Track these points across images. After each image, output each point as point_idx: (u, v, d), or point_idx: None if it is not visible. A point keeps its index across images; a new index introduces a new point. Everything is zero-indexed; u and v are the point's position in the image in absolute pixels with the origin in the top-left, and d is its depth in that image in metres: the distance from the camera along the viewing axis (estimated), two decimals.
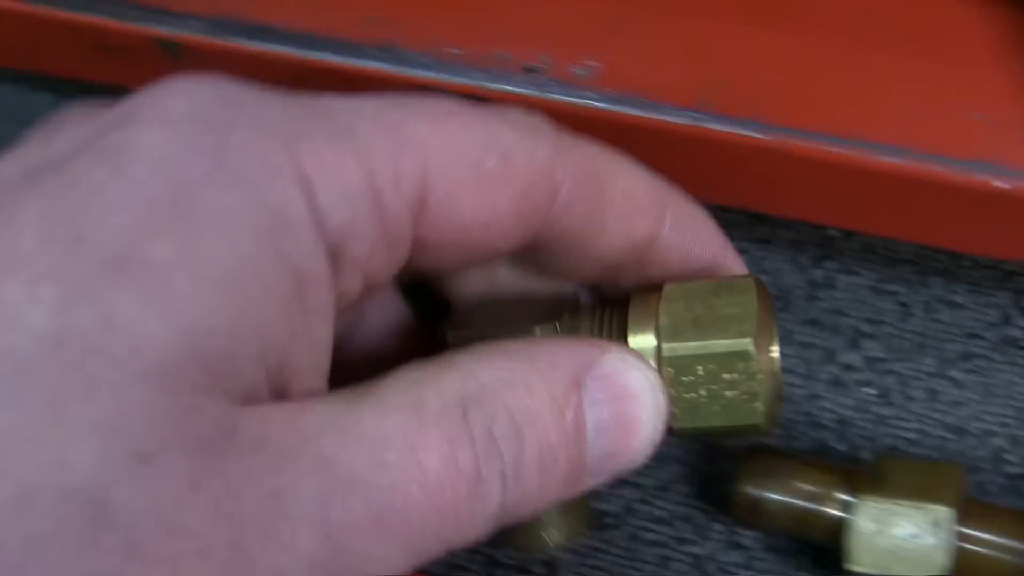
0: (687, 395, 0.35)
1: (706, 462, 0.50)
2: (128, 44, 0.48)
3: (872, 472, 0.44)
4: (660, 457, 0.48)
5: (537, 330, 0.36)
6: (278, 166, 0.28)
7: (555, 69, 0.46)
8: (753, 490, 0.45)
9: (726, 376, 0.35)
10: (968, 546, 0.43)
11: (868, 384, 0.51)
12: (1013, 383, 0.50)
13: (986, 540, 0.43)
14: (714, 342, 0.35)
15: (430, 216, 0.31)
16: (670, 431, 0.35)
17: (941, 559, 0.42)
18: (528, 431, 0.30)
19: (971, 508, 0.44)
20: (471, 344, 0.33)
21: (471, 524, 0.29)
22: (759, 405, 0.35)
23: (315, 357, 0.30)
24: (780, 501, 0.45)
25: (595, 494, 0.49)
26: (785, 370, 0.51)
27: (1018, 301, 0.51)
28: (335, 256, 0.29)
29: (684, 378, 0.35)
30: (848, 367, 0.51)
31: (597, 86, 0.45)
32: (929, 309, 0.52)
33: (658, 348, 0.35)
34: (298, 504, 0.26)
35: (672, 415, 0.35)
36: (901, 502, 0.43)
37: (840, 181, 0.44)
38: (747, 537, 0.49)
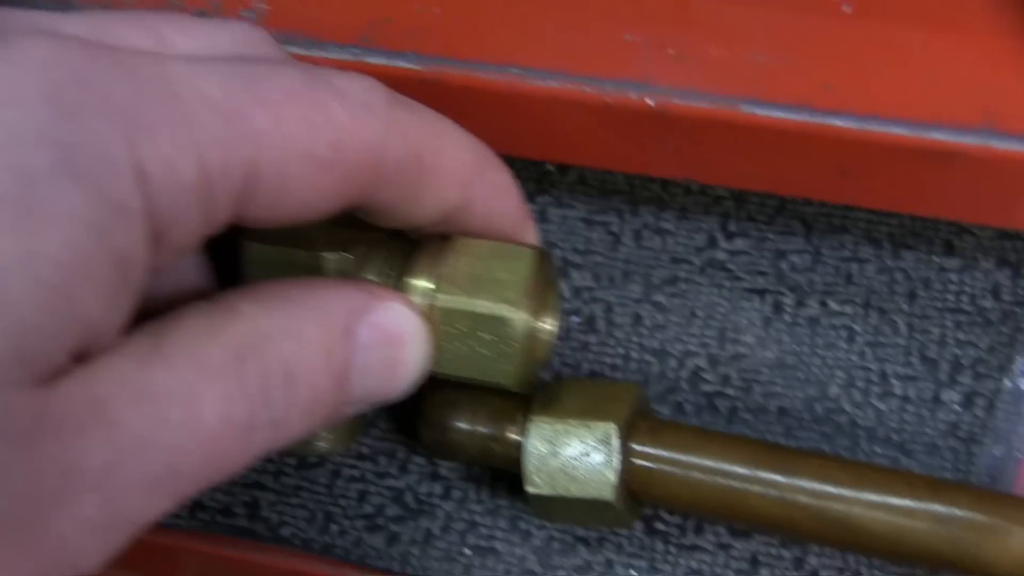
0: (449, 344, 0.39)
1: (409, 397, 0.50)
2: None
3: (547, 394, 0.45)
4: None
5: (329, 258, 0.39)
6: (119, 160, 0.29)
7: (224, 12, 0.46)
8: (438, 422, 0.45)
9: (485, 336, 0.39)
10: (639, 462, 0.43)
11: (575, 313, 0.51)
12: (715, 304, 0.51)
13: (655, 455, 0.43)
14: (481, 303, 0.39)
15: (257, 199, 0.32)
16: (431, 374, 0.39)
17: (610, 476, 0.43)
18: (299, 380, 0.33)
19: (643, 424, 0.44)
20: (265, 261, 0.38)
21: (237, 466, 0.32)
22: (509, 368, 0.39)
23: (119, 320, 0.31)
24: (464, 431, 0.45)
25: None
26: None
27: (724, 224, 0.52)
28: (157, 240, 0.30)
29: (449, 328, 0.39)
30: None
31: (265, 27, 0.45)
32: (638, 237, 0.52)
33: (433, 294, 0.39)
34: (84, 474, 0.29)
35: (434, 359, 0.38)
36: (570, 421, 0.44)
37: (494, 107, 0.44)
38: (445, 468, 0.49)
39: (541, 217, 0.53)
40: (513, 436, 0.45)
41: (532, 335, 0.40)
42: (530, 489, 0.44)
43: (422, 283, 0.39)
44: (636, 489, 0.44)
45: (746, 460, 0.42)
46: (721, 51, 0.43)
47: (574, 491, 0.43)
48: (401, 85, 0.44)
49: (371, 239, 0.40)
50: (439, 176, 0.37)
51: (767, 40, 0.43)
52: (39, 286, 0.27)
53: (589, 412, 0.44)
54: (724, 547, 0.47)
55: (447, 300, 0.39)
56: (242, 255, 0.39)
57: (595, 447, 0.43)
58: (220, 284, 0.40)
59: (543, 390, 0.45)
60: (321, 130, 0.33)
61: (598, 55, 0.43)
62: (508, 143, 0.47)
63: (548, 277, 0.41)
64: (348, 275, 0.39)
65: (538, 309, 0.41)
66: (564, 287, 0.52)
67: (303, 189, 0.33)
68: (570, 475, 0.43)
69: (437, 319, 0.39)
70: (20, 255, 0.27)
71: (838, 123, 0.41)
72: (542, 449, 0.44)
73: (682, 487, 0.43)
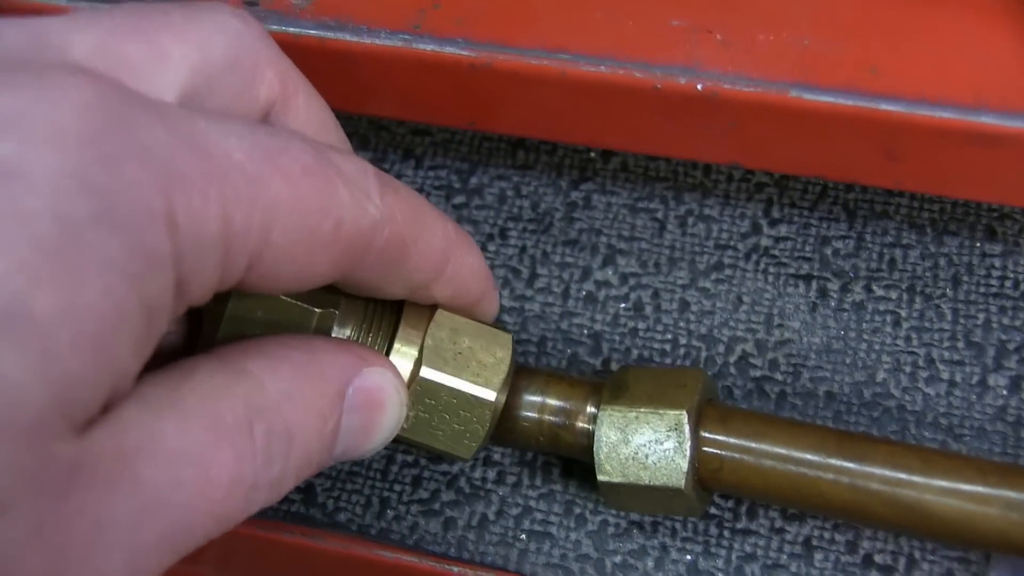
0: (422, 413, 0.41)
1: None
2: None
3: (615, 383, 0.45)
4: None
5: (316, 312, 0.40)
6: (155, 211, 0.29)
7: (274, 1, 0.46)
8: (508, 408, 0.46)
9: (462, 412, 0.41)
10: (708, 449, 0.44)
11: (622, 299, 0.51)
12: (761, 290, 0.51)
13: (725, 442, 0.44)
14: (465, 383, 0.41)
15: (261, 264, 0.33)
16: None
17: (682, 463, 0.43)
18: (297, 442, 0.34)
19: (711, 412, 0.44)
20: (244, 313, 0.39)
21: (236, 523, 0.33)
22: (473, 444, 0.42)
23: (139, 369, 0.31)
24: (533, 418, 0.45)
25: None
26: (541, 290, 0.52)
27: (768, 211, 0.52)
28: (179, 290, 0.31)
29: (427, 399, 0.41)
30: (603, 283, 0.52)
31: (314, 15, 0.46)
32: (683, 224, 0.52)
33: (417, 363, 0.41)
34: (113, 529, 0.29)
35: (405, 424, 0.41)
36: (641, 409, 0.44)
37: (544, 93, 0.44)
38: (498, 452, 0.50)
39: (586, 203, 0.53)
40: (583, 425, 0.45)
41: (498, 411, 0.43)
42: (602, 477, 0.44)
43: (406, 350, 0.41)
44: (706, 476, 0.44)
45: (817, 447, 0.43)
46: (768, 36, 0.43)
47: (645, 479, 0.43)
48: (451, 71, 0.44)
49: (349, 296, 0.41)
50: (416, 260, 0.38)
51: (813, 25, 0.43)
52: (82, 337, 0.28)
53: (659, 400, 0.44)
54: (778, 531, 0.47)
55: (430, 373, 0.41)
56: (218, 306, 0.40)
57: (666, 435, 0.43)
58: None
59: (611, 379, 0.45)
60: (329, 208, 0.34)
61: (646, 40, 0.44)
62: (556, 129, 0.47)
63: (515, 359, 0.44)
64: (331, 330, 0.40)
65: (506, 388, 0.43)
66: (611, 273, 0.52)
67: (302, 261, 0.34)
68: (641, 463, 0.44)
69: (415, 389, 0.41)
70: (63, 307, 0.27)
71: (887, 107, 0.42)
72: (613, 437, 0.44)
73: (753, 474, 0.43)
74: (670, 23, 0.44)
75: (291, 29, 0.46)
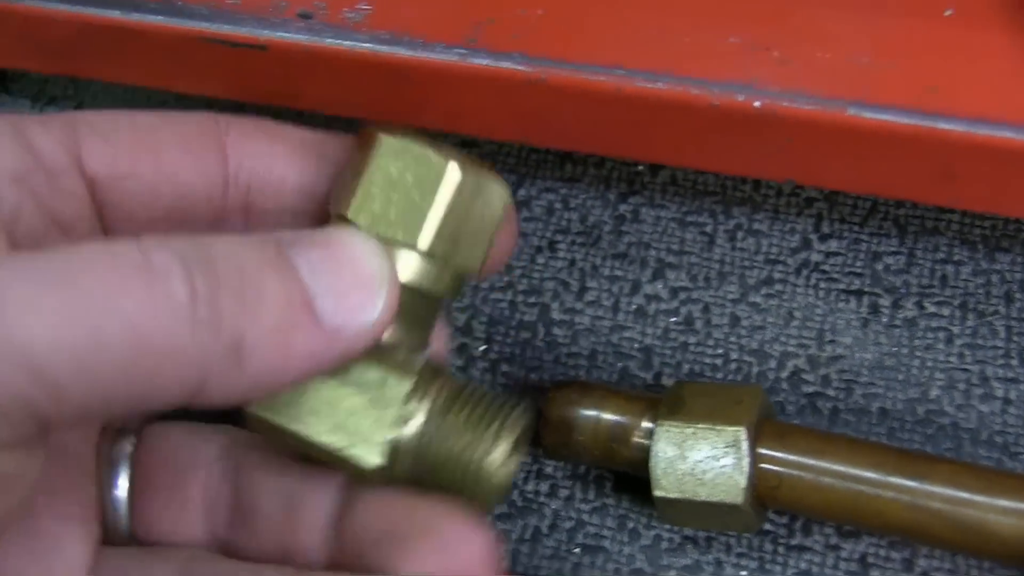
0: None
1: (512, 395, 0.51)
2: None
3: (672, 398, 0.45)
4: None
5: None
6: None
7: (329, 14, 0.46)
8: (563, 422, 0.46)
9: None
10: (766, 466, 0.44)
11: (672, 313, 0.51)
12: (812, 305, 0.51)
13: (783, 459, 0.44)
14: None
15: None
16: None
17: (740, 480, 0.43)
18: None
19: (769, 428, 0.44)
20: None
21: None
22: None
23: None
24: (588, 432, 0.45)
25: None
26: (591, 303, 0.52)
27: (818, 226, 0.52)
28: None
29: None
30: (653, 297, 0.52)
31: (369, 29, 0.46)
32: (732, 238, 0.52)
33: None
34: None
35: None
36: (699, 425, 0.44)
37: (601, 109, 0.44)
38: (551, 466, 0.50)
39: (634, 217, 0.53)
40: (639, 440, 0.45)
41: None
42: (658, 493, 0.44)
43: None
44: (764, 493, 0.44)
45: (877, 465, 0.43)
46: (825, 53, 0.43)
47: (703, 495, 0.43)
48: (507, 86, 0.44)
49: None
50: None
51: (870, 43, 0.43)
52: None
53: (716, 416, 0.44)
54: (833, 548, 0.47)
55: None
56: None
57: (724, 451, 0.43)
58: None
59: (668, 394, 0.45)
60: None
61: (704, 57, 0.44)
62: (609, 143, 0.47)
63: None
64: None
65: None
66: (660, 287, 0.52)
67: None
68: (699, 479, 0.44)
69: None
70: None
71: (946, 126, 0.41)
72: (670, 453, 0.44)
73: (812, 492, 0.43)
74: (727, 40, 0.44)
75: (346, 43, 0.45)
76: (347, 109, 0.48)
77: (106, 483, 0.39)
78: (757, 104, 0.43)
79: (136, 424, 0.41)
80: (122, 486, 0.40)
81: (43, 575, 0.36)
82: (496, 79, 0.45)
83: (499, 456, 0.38)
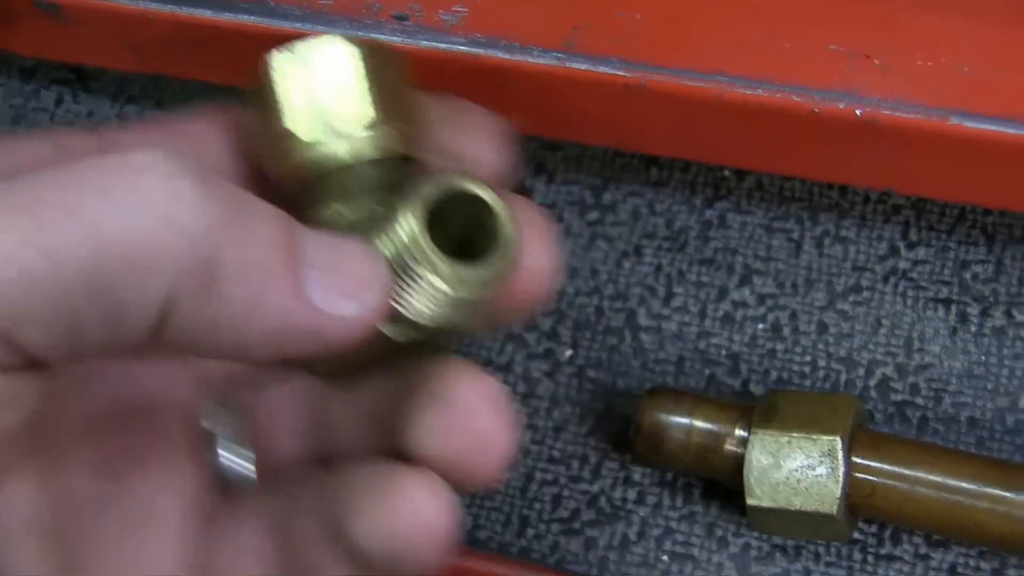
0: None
1: (599, 401, 0.51)
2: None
3: (766, 406, 0.45)
4: (553, 398, 0.49)
5: None
6: None
7: (424, 16, 0.46)
8: (655, 429, 0.46)
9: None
10: (861, 475, 0.44)
11: (759, 320, 0.51)
12: (900, 313, 0.50)
13: (878, 469, 0.44)
14: None
15: None
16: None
17: (835, 490, 0.43)
18: None
19: (864, 438, 0.44)
20: None
21: None
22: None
23: None
24: (681, 439, 0.45)
25: None
26: (677, 309, 0.52)
27: (906, 234, 0.52)
28: None
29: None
30: (740, 303, 0.52)
31: (465, 31, 0.46)
32: (819, 244, 0.52)
33: None
34: None
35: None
36: (794, 434, 0.44)
37: (701, 115, 0.44)
38: (638, 473, 0.50)
39: (720, 222, 0.53)
40: (732, 448, 0.45)
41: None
42: (752, 501, 0.44)
43: None
44: (858, 503, 0.44)
45: (972, 475, 0.42)
46: (927, 62, 0.43)
47: (797, 504, 0.43)
48: (604, 90, 0.44)
49: None
50: None
51: (972, 52, 0.43)
52: None
53: (812, 425, 0.44)
54: (922, 557, 0.47)
55: None
56: None
57: (820, 460, 0.43)
58: None
59: (762, 402, 0.45)
60: None
61: (804, 64, 0.43)
62: (706, 150, 0.47)
63: None
64: None
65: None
66: (747, 293, 0.52)
67: None
68: (793, 488, 0.44)
69: None
70: None
71: None
72: (764, 461, 0.44)
73: (906, 501, 0.43)
74: (828, 47, 0.43)
75: (441, 45, 0.45)
76: None
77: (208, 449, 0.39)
78: (859, 112, 0.42)
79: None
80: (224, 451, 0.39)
81: (139, 543, 0.36)
82: (594, 84, 0.45)
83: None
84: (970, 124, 0.42)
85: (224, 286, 0.30)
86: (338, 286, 0.32)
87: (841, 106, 0.43)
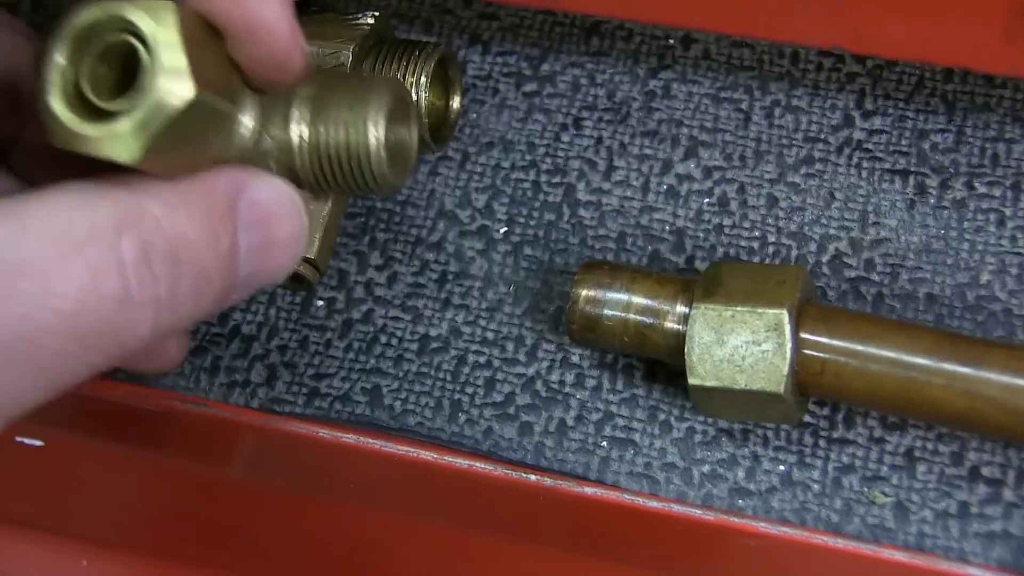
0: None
1: (535, 280, 0.48)
2: None
3: (708, 279, 0.42)
4: (487, 277, 0.47)
5: None
6: None
7: None
8: (591, 307, 0.43)
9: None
10: (809, 351, 0.41)
11: (706, 194, 0.48)
12: (855, 186, 0.48)
13: (828, 344, 0.41)
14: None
15: None
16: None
17: (782, 367, 0.40)
18: (186, 258, 0.32)
19: (812, 311, 0.41)
20: None
21: (119, 346, 0.31)
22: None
23: None
24: (619, 316, 0.43)
25: (420, 317, 0.47)
26: (619, 183, 0.49)
27: (861, 102, 0.49)
28: None
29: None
30: (685, 177, 0.49)
31: None
32: (769, 115, 0.49)
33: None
34: None
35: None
36: (737, 308, 0.41)
37: None
38: (576, 355, 0.47)
39: (665, 93, 0.50)
40: (672, 325, 0.42)
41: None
42: (693, 381, 0.41)
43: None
44: (807, 381, 0.41)
45: (928, 350, 0.40)
46: None
47: (741, 382, 0.41)
48: None
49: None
50: None
51: None
52: None
53: (756, 298, 0.41)
54: (877, 440, 0.44)
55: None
56: None
57: (765, 335, 0.41)
58: None
59: (704, 276, 0.43)
60: None
61: None
62: (640, 6, 0.44)
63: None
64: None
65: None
66: (693, 166, 0.49)
67: None
68: (737, 365, 0.41)
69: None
70: None
71: None
72: (707, 338, 0.41)
73: (858, 379, 0.40)
74: None
75: None
76: None
77: None
78: None
79: None
80: None
81: None
82: None
83: (374, 138, 0.36)
84: None
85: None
86: (270, 264, 0.36)
87: None
